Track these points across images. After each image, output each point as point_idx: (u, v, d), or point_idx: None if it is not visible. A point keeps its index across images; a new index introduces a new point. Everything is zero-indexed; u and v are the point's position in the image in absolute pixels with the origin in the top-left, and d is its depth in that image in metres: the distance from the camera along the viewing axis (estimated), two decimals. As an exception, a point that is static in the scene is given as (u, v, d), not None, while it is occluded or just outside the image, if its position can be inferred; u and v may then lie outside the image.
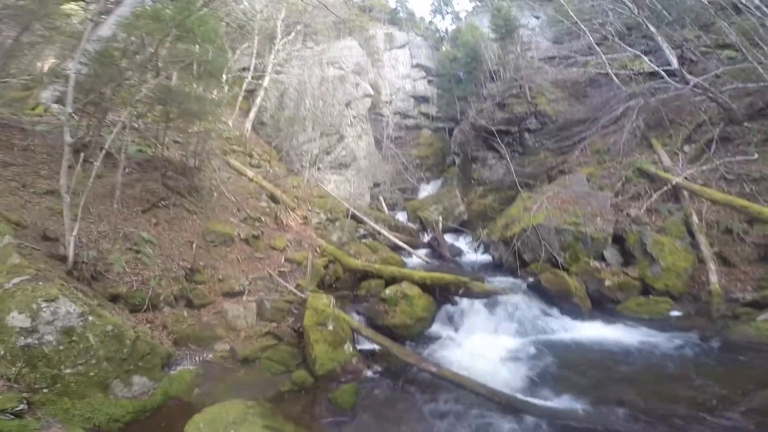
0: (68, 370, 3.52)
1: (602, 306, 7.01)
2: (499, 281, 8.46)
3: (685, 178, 8.78)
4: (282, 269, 8.09)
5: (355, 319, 6.35)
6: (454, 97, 22.46)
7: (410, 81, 27.14)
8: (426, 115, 26.51)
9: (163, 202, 7.91)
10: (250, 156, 13.38)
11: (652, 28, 11.64)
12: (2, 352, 3.32)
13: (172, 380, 4.31)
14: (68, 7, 9.73)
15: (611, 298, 7.07)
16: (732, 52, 12.44)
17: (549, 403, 4.24)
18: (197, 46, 7.13)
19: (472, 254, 12.36)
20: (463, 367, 5.12)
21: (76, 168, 4.85)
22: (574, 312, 6.74)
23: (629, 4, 11.86)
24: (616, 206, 9.25)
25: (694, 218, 7.88)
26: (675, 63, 10.96)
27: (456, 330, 6.54)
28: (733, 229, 7.37)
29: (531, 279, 8.07)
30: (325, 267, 9.03)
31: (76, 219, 4.66)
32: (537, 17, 23.22)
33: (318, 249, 9.81)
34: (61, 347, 3.51)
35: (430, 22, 35.44)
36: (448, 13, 35.61)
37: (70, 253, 4.51)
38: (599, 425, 3.73)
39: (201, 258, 6.84)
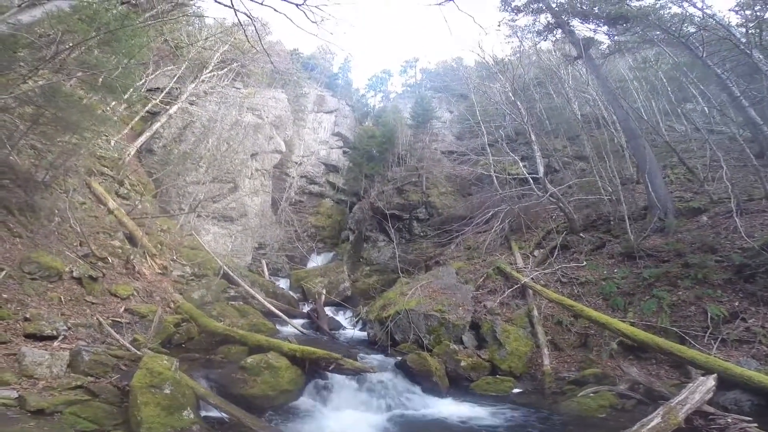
0: None
1: (458, 384, 7.50)
2: (372, 358, 8.59)
3: (532, 278, 10.48)
4: (118, 320, 6.71)
5: (204, 386, 5.69)
6: (362, 173, 22.71)
7: (327, 148, 26.94)
8: (332, 185, 26.19)
9: (-23, 215, 6.22)
10: (121, 184, 11.72)
11: (533, 136, 14.20)
12: None
13: None
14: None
15: (466, 377, 7.64)
16: (585, 164, 15.69)
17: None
18: (114, 58, 6.54)
19: (350, 330, 12.25)
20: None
21: None
22: (434, 390, 7.06)
23: (522, 110, 14.57)
24: (475, 298, 10.43)
25: (535, 312, 9.30)
26: (541, 172, 13.28)
27: (325, 404, 6.36)
28: (562, 322, 8.90)
29: (399, 358, 8.33)
30: (176, 325, 7.96)
31: None
32: (451, 112, 26.46)
33: (172, 304, 8.65)
34: None
35: (363, 95, 37.27)
36: (380, 90, 38.19)
37: None
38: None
39: (7, 290, 5.33)
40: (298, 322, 11.66)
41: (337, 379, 6.80)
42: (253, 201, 17.77)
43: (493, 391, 7.15)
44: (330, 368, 6.79)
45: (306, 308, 13.73)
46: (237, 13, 9.75)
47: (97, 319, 6.19)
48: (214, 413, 5.08)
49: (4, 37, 5.77)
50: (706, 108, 16.98)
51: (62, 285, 6.49)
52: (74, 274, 6.96)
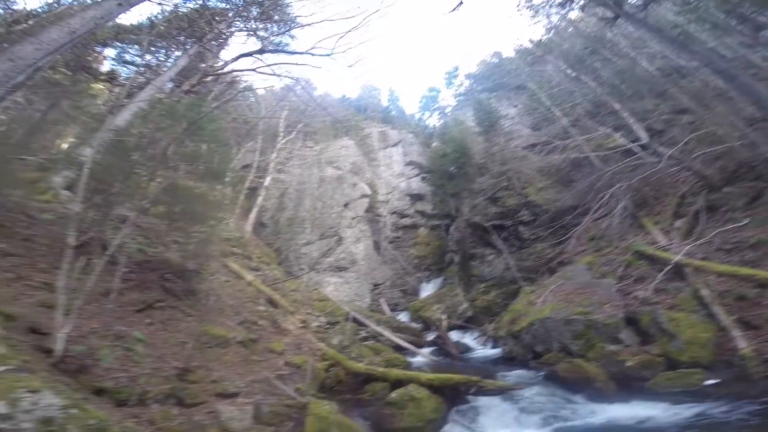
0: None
1: (629, 385, 6.62)
2: (513, 375, 8.27)
3: (685, 254, 8.82)
4: (281, 372, 7.56)
5: (362, 424, 6.14)
6: (447, 193, 21.88)
7: (405, 179, 27.12)
8: (422, 213, 26.12)
9: (158, 304, 7.77)
10: (249, 258, 13.54)
11: (616, 105, 12.54)
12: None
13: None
14: (97, 86, 10.48)
15: (637, 377, 6.71)
16: (690, 117, 13.27)
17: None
18: (205, 145, 7.60)
19: (481, 349, 11.82)
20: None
21: (75, 266, 4.94)
22: (599, 396, 6.44)
23: (591, 83, 13.07)
24: (621, 291, 9.16)
25: (704, 291, 7.74)
26: (645, 137, 11.62)
27: (473, 428, 6.18)
28: (746, 296, 7.20)
29: (546, 370, 7.88)
30: (326, 371, 8.62)
31: (69, 315, 4.56)
32: (515, 106, 24.74)
33: (318, 353, 9.41)
34: (37, 435, 3.11)
35: (420, 119, 37.06)
36: (435, 109, 37.35)
37: (59, 347, 4.31)
38: None
39: (194, 359, 6.45)
40: (427, 350, 11.74)
41: (481, 401, 6.68)
42: (358, 248, 18.89)
43: (678, 386, 6.14)
44: (471, 391, 6.81)
45: (431, 336, 13.69)
46: (281, 78, 10.88)
47: (264, 374, 7.07)
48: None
49: (117, 144, 6.44)
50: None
51: (231, 349, 7.61)
52: (238, 339, 8.13)
